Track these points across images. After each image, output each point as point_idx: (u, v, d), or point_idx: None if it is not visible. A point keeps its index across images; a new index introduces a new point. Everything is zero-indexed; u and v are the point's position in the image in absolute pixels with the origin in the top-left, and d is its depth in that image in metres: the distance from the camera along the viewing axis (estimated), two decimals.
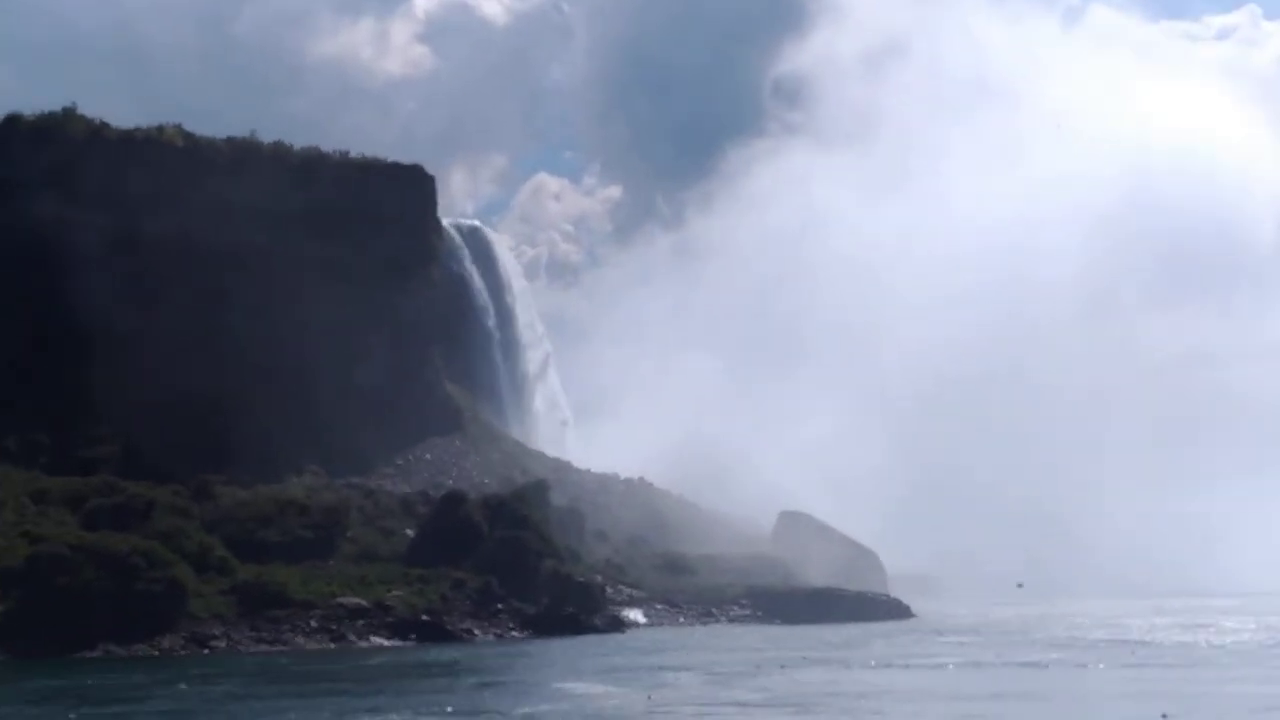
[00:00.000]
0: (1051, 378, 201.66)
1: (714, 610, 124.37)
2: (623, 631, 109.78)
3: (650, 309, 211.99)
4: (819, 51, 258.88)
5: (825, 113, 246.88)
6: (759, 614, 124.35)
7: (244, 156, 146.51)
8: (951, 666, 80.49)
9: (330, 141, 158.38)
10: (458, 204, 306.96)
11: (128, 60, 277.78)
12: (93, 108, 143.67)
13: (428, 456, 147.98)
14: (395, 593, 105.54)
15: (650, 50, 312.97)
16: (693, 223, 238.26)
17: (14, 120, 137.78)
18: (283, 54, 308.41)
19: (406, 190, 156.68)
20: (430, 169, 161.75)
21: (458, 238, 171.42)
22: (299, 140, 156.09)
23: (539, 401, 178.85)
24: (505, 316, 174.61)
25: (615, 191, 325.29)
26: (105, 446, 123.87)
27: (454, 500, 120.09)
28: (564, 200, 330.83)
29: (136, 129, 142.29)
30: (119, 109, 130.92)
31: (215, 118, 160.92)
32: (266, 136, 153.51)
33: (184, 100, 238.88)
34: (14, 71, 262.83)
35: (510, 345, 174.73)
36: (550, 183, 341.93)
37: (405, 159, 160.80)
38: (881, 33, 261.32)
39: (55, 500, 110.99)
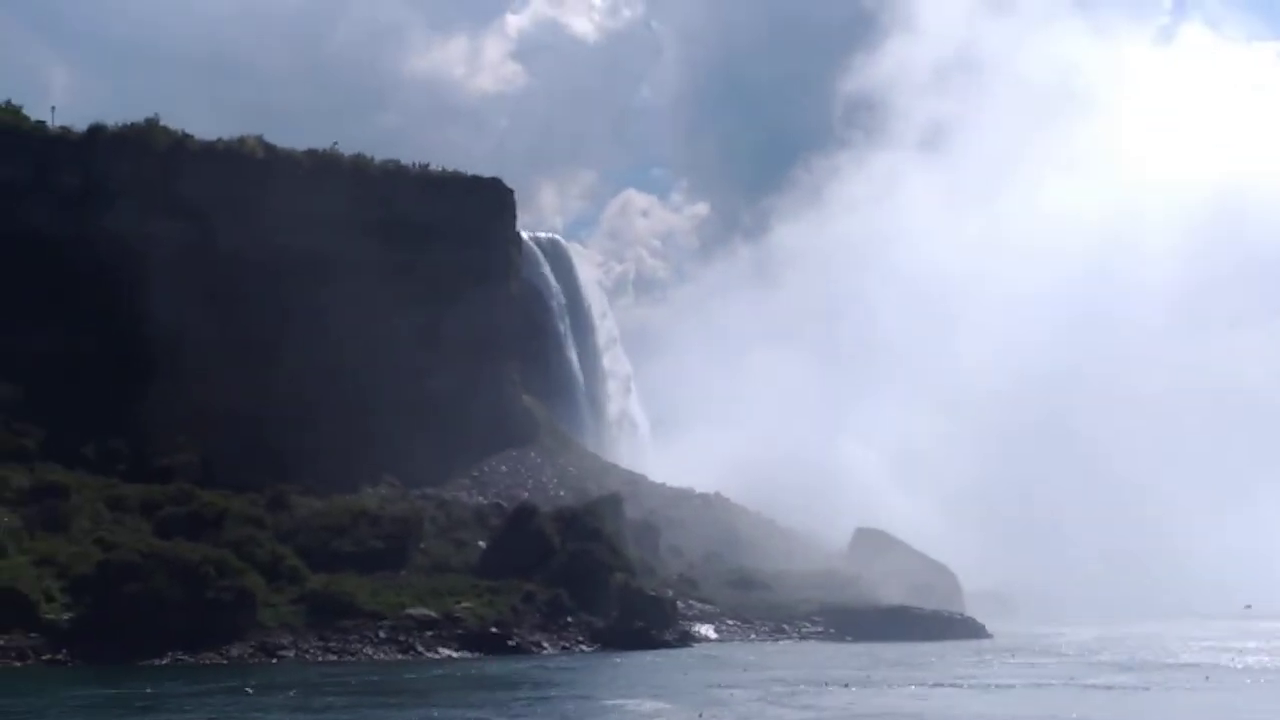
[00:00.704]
0: (1132, 391, 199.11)
1: (786, 626, 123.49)
2: (691, 647, 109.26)
3: (732, 322, 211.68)
4: (900, 63, 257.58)
5: (908, 123, 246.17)
6: (831, 631, 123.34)
7: (324, 168, 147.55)
8: (1018, 687, 79.39)
9: (423, 157, 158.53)
10: (547, 219, 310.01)
11: (220, 75, 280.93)
12: (184, 121, 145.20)
13: (503, 469, 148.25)
14: (465, 605, 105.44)
15: (738, 68, 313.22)
16: (776, 235, 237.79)
17: (98, 130, 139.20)
18: (376, 70, 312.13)
19: (485, 203, 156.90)
20: (520, 185, 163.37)
21: (537, 251, 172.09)
22: (391, 156, 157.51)
23: (616, 414, 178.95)
24: (583, 329, 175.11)
25: (702, 208, 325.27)
26: (183, 455, 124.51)
27: (526, 513, 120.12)
28: (652, 216, 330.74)
29: (219, 140, 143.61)
30: (210, 122, 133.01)
31: (307, 133, 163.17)
32: (359, 151, 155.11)
33: (276, 115, 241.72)
34: (105, 82, 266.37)
35: (588, 358, 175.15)
36: (638, 199, 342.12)
37: (496, 174, 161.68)
38: (963, 44, 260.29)
39: (131, 508, 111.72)
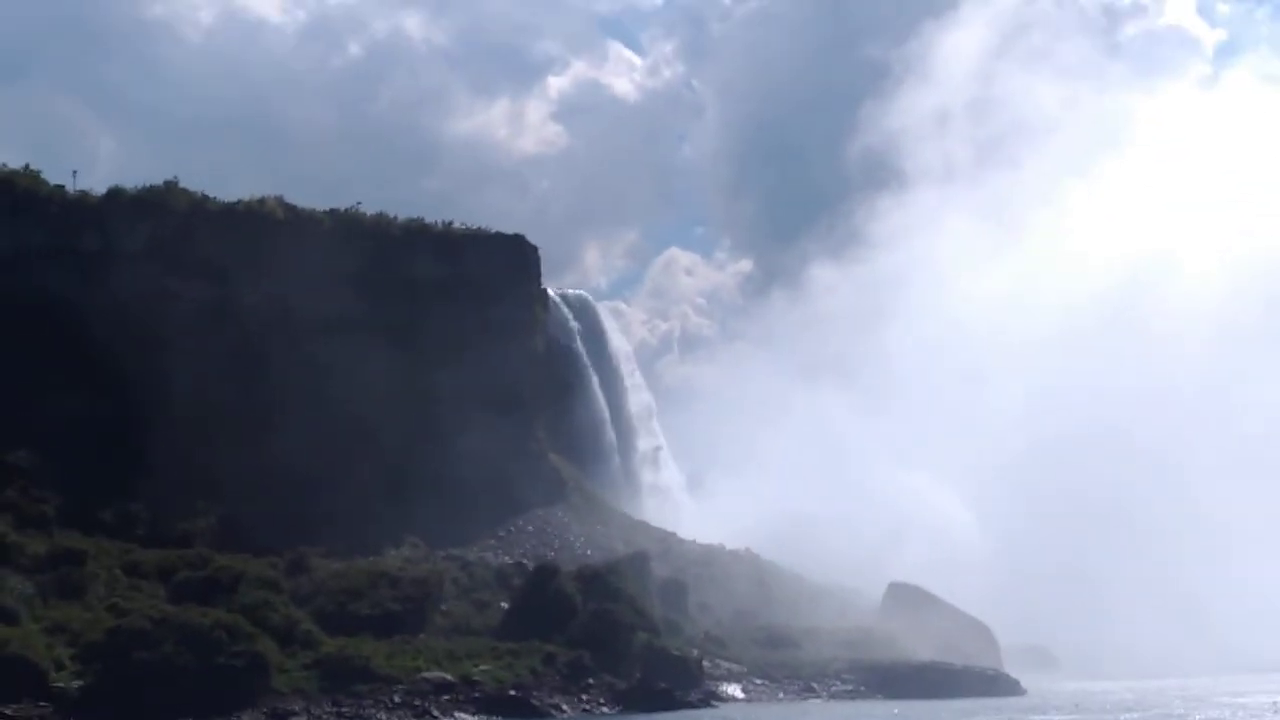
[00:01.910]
0: (1177, 440, 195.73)
1: (815, 685, 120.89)
2: (716, 707, 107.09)
3: (774, 377, 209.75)
4: (933, 111, 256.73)
5: (946, 171, 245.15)
6: (862, 689, 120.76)
7: (344, 228, 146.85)
8: None
9: (467, 219, 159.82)
10: (591, 279, 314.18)
11: (264, 140, 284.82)
12: (227, 186, 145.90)
13: (529, 528, 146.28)
14: (483, 667, 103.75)
15: (779, 125, 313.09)
16: (817, 289, 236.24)
17: (116, 193, 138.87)
18: (419, 134, 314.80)
19: (509, 260, 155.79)
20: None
21: (565, 308, 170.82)
22: (437, 218, 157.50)
23: (647, 472, 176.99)
24: (612, 386, 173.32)
25: (746, 265, 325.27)
26: (202, 519, 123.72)
27: (546, 573, 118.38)
28: (696, 274, 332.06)
29: (239, 201, 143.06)
30: (253, 188, 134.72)
31: (350, 198, 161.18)
32: (402, 215, 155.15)
33: (319, 178, 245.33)
34: (151, 148, 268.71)
35: (618, 415, 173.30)
36: (682, 257, 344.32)
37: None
38: (996, 91, 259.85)
39: (148, 573, 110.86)
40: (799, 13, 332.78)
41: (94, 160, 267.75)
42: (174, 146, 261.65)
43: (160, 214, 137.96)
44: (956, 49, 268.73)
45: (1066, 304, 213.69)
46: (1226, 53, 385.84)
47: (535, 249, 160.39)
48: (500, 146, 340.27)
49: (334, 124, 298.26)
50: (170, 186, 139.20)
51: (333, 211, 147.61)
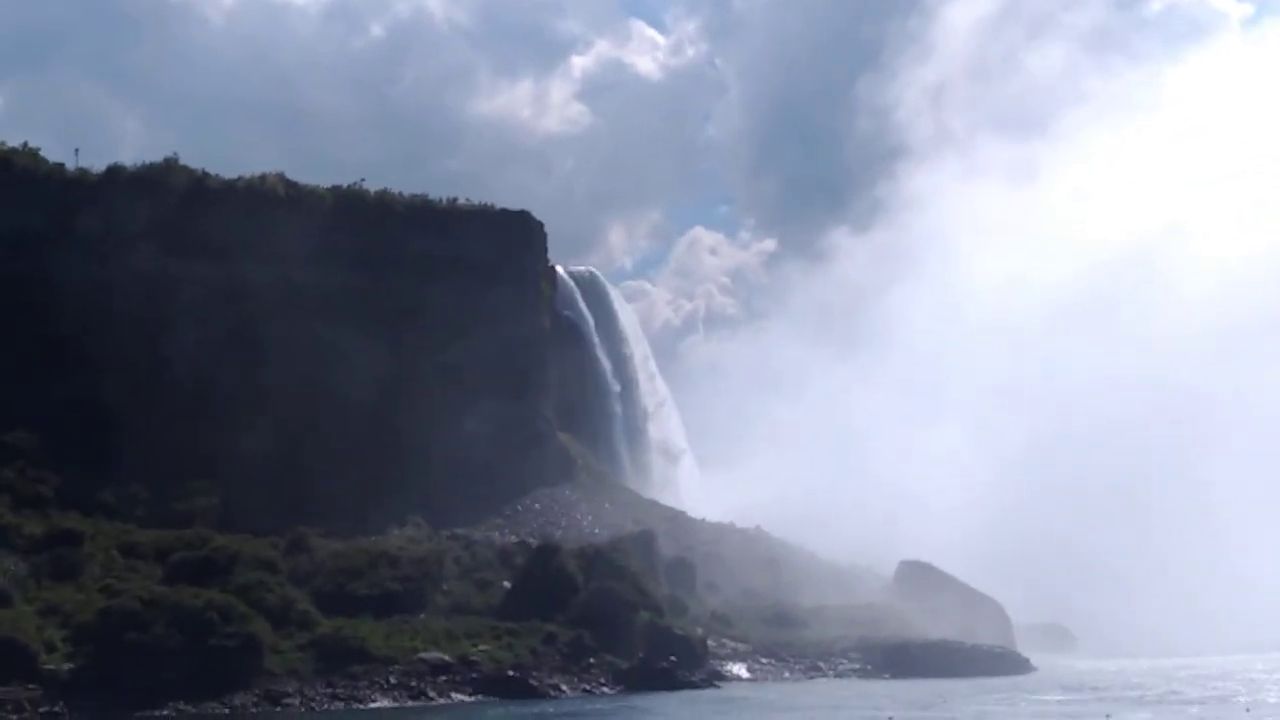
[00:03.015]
0: (1196, 421, 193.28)
1: (821, 664, 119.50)
2: (719, 687, 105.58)
3: (796, 356, 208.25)
4: (952, 87, 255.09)
5: (977, 150, 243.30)
6: (869, 668, 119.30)
7: (347, 205, 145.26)
8: None
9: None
10: (615, 259, 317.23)
11: (289, 122, 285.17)
12: (250, 167, 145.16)
13: (537, 506, 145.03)
14: (482, 648, 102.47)
15: (803, 105, 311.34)
16: (840, 267, 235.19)
17: (115, 171, 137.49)
18: (444, 115, 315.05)
19: (514, 237, 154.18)
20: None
21: (573, 285, 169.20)
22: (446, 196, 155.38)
23: (657, 450, 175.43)
24: (621, 364, 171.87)
25: (770, 244, 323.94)
26: (202, 499, 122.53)
27: (548, 551, 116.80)
28: (720, 254, 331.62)
29: (239, 178, 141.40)
30: (276, 169, 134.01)
31: (374, 178, 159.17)
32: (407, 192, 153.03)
33: (344, 160, 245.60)
34: (174, 130, 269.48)
35: (627, 393, 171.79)
36: (706, 237, 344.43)
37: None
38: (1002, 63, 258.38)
39: (146, 554, 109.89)
40: None
41: (119, 143, 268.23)
42: (198, 129, 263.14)
43: (160, 192, 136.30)
44: (972, 24, 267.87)
45: (1077, 281, 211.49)
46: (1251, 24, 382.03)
47: (541, 225, 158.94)
48: (524, 127, 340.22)
49: (357, 105, 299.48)
50: (170, 164, 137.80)
51: (335, 189, 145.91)
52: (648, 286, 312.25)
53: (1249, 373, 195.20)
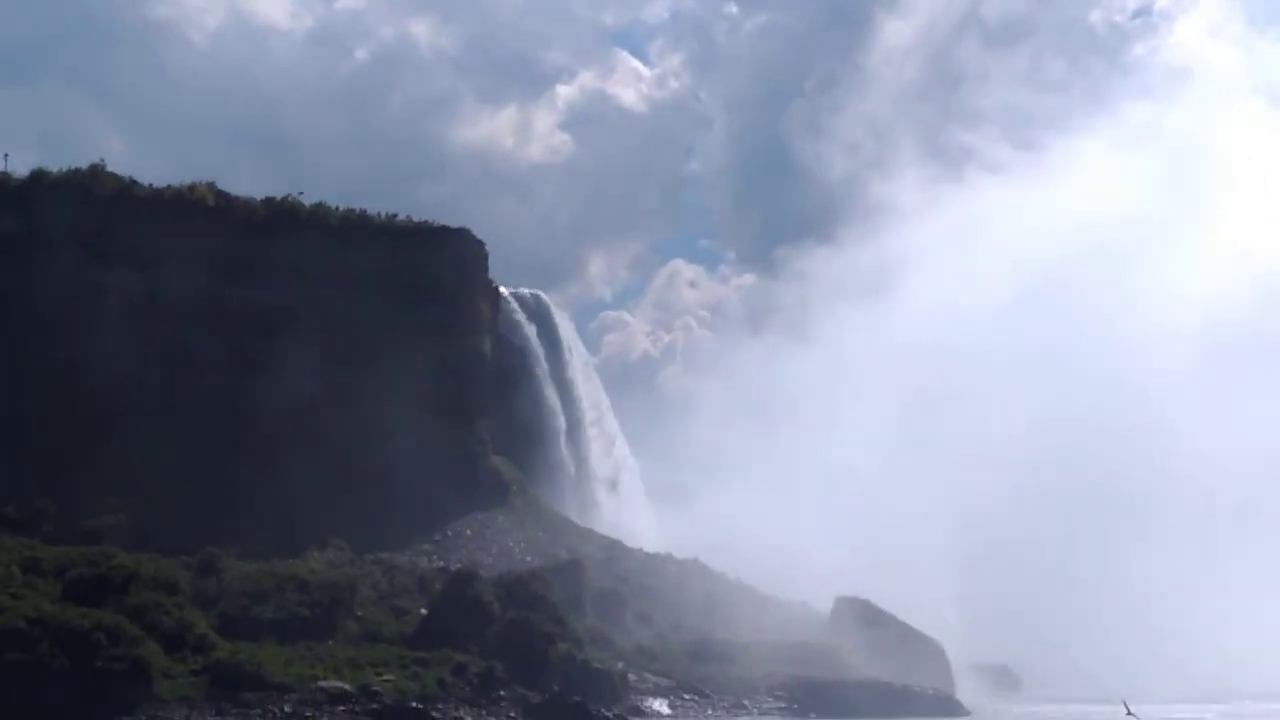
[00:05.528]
0: (1158, 461, 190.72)
1: (746, 701, 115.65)
2: None
3: (773, 391, 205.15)
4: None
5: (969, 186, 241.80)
6: (794, 707, 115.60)
7: (280, 216, 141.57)
8: None
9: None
10: (595, 289, 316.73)
11: (273, 145, 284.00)
12: (235, 190, 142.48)
13: (468, 532, 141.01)
14: (386, 677, 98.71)
15: (786, 139, 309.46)
16: (818, 304, 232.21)
17: (40, 176, 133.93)
18: (427, 141, 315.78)
19: (454, 255, 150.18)
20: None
21: (516, 306, 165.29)
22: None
23: (599, 479, 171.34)
24: (566, 388, 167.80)
25: (749, 279, 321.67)
26: (111, 517, 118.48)
27: (465, 579, 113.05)
28: (699, 287, 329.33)
29: (167, 187, 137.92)
30: (261, 192, 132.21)
31: (357, 201, 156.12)
32: (321, 201, 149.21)
33: (326, 184, 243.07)
34: (159, 151, 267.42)
35: (571, 418, 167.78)
36: (686, 269, 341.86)
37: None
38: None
39: (47, 571, 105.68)
40: (806, 25, 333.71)
41: (104, 160, 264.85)
42: (182, 149, 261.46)
43: (85, 198, 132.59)
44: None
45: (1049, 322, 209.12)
46: None
47: (482, 244, 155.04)
48: (507, 155, 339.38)
49: (341, 130, 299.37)
50: (96, 170, 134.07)
51: (268, 200, 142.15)
52: (627, 317, 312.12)
53: (1216, 417, 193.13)
